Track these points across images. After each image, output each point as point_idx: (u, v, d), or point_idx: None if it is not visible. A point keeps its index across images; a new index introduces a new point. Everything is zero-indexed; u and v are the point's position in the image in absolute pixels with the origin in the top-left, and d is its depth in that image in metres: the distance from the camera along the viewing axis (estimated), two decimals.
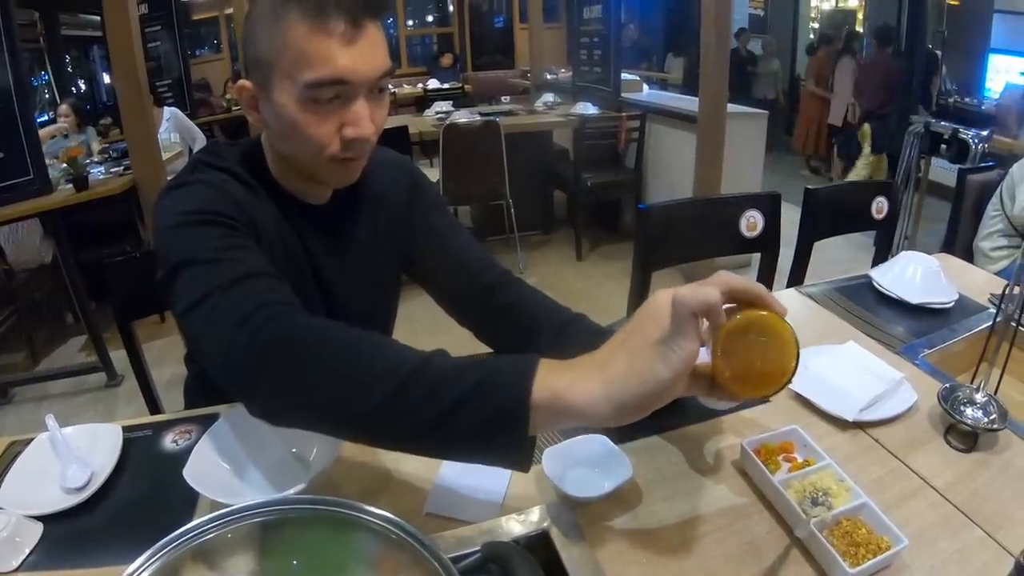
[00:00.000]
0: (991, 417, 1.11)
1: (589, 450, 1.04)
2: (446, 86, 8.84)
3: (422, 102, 7.86)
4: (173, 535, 0.64)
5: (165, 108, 5.49)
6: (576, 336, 1.20)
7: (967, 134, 4.59)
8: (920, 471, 1.04)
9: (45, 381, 3.85)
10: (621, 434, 1.08)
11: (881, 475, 1.02)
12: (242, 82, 1.09)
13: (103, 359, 3.76)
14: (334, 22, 0.97)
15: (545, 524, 0.87)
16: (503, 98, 7.22)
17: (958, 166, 3.84)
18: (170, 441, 1.17)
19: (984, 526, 0.93)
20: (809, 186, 2.38)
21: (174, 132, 5.37)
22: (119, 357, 3.71)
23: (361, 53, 1.00)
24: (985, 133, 4.50)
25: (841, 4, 10.23)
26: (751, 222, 2.21)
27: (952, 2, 7.95)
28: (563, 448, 1.04)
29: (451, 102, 6.33)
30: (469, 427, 0.72)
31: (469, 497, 0.99)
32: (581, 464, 1.02)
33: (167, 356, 3.40)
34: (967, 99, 7.70)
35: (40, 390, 3.79)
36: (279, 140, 1.12)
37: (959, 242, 3.16)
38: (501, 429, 0.72)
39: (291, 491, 0.92)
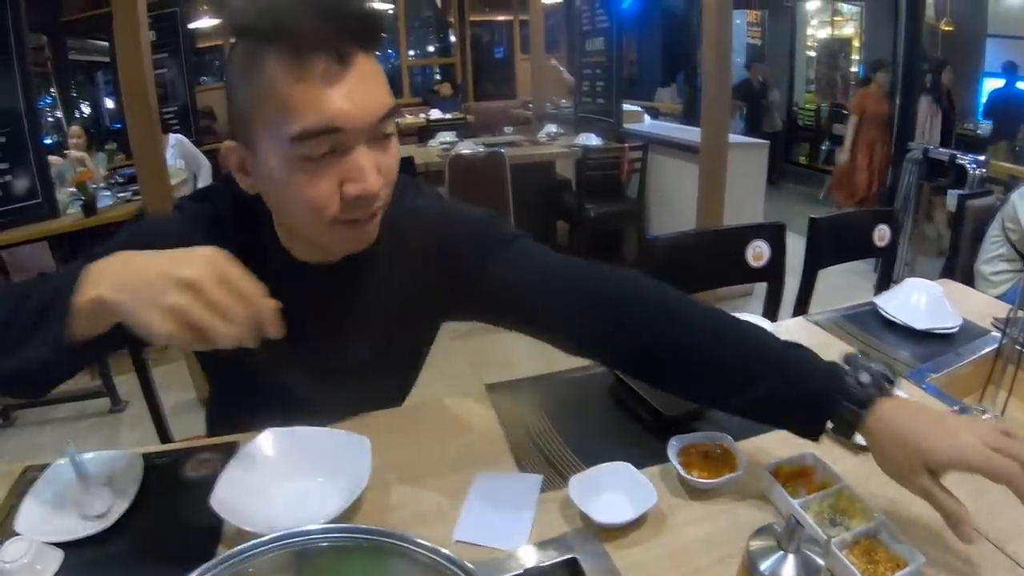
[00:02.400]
0: None
1: (614, 477, 1.05)
2: (449, 116, 8.89)
3: (424, 132, 7.91)
4: (214, 561, 0.64)
5: (170, 135, 5.53)
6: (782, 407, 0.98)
7: (965, 159, 4.62)
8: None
9: (48, 405, 3.83)
10: (640, 459, 1.10)
11: (895, 495, 1.02)
12: (227, 144, 0.97)
13: (107, 384, 3.74)
14: (314, 59, 0.84)
15: (573, 551, 0.88)
16: (506, 128, 7.25)
17: (958, 192, 3.88)
18: (190, 469, 1.16)
19: (995, 541, 0.95)
20: (813, 215, 2.40)
21: (179, 159, 5.40)
22: (122, 382, 3.71)
23: (352, 92, 0.87)
24: (983, 158, 4.53)
25: (836, 33, 10.31)
26: (757, 252, 2.23)
27: (946, 28, 8.03)
28: (588, 475, 1.05)
29: (454, 132, 6.36)
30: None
31: (497, 524, 1.00)
32: (606, 491, 1.03)
33: (171, 382, 3.40)
34: (964, 124, 7.79)
35: (42, 414, 3.78)
36: (273, 206, 1.01)
37: (959, 267, 3.18)
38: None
39: (322, 520, 0.92)
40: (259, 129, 0.90)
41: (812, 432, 0.96)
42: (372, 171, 0.91)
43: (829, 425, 0.94)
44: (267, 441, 1.11)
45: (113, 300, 0.78)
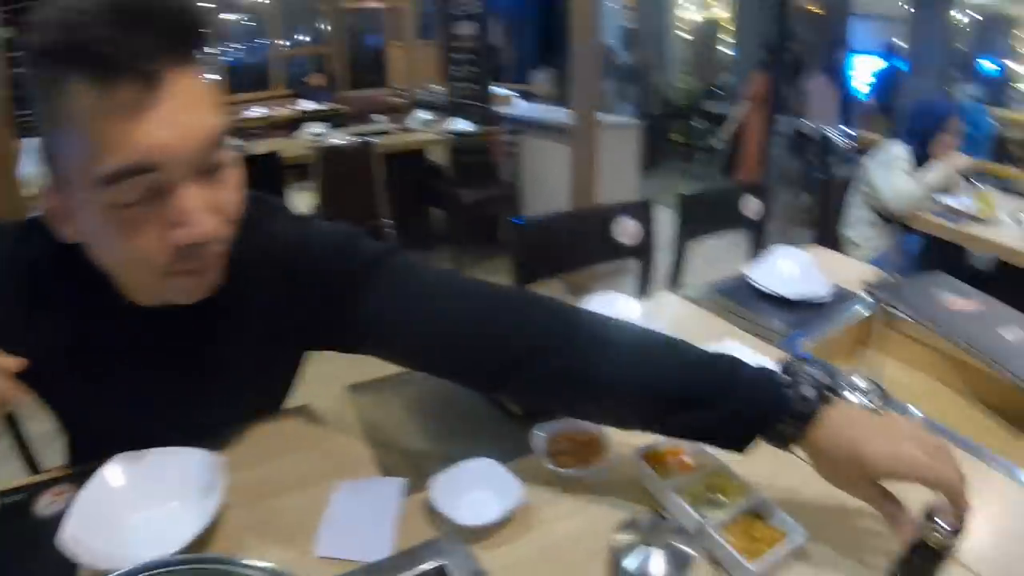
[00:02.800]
0: (872, 400, 1.13)
1: (477, 475, 1.00)
2: (323, 107, 8.67)
3: (298, 124, 7.69)
4: None
5: (27, 139, 5.14)
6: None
7: (832, 133, 4.81)
8: (810, 460, 1.04)
9: None
10: (509, 453, 1.06)
11: (773, 469, 1.01)
12: (42, 185, 0.84)
13: None
14: (118, 83, 0.70)
15: (440, 556, 0.84)
16: (377, 117, 7.11)
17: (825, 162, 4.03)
18: (46, 504, 1.06)
19: (876, 510, 0.93)
20: (683, 191, 2.44)
21: (38, 165, 5.04)
22: None
23: (167, 120, 0.73)
24: (850, 131, 4.74)
25: (708, 16, 10.58)
26: (626, 229, 2.24)
27: (816, 10, 8.41)
28: (450, 475, 1.00)
29: (325, 123, 6.18)
30: None
31: (359, 535, 0.94)
32: (470, 490, 0.98)
33: (38, 410, 3.16)
34: None
35: None
36: (96, 257, 0.86)
37: (827, 235, 3.30)
38: None
39: (172, 549, 0.85)
40: (68, 170, 0.77)
41: (740, 447, 0.89)
42: (203, 213, 0.78)
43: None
44: (115, 470, 1.01)
45: None
